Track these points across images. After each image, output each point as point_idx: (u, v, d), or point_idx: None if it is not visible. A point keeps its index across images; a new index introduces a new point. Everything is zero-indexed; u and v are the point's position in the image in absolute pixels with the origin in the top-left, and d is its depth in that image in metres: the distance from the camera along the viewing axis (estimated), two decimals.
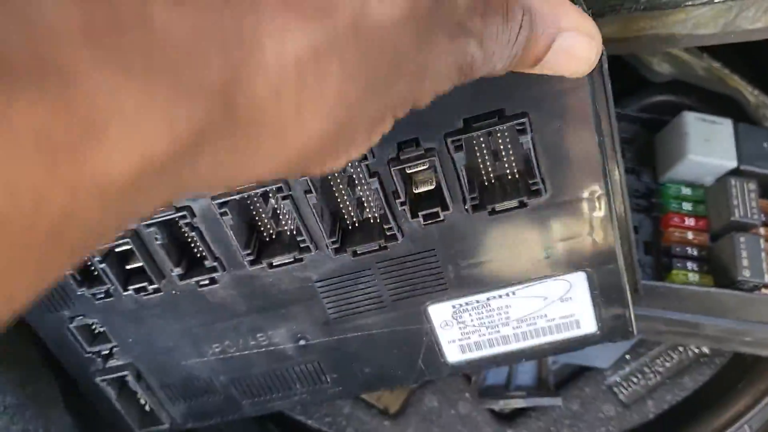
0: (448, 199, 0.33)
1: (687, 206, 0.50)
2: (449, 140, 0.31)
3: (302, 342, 0.40)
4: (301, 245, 0.35)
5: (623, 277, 0.37)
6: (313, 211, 0.33)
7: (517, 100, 0.31)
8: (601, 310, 0.38)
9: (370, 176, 0.32)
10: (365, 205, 0.35)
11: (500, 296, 0.37)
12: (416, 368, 0.41)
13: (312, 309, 0.38)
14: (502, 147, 0.33)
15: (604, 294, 0.37)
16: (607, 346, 0.51)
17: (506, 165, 0.34)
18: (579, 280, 0.37)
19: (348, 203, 0.35)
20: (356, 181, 0.34)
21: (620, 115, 0.53)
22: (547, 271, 0.36)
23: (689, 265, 0.48)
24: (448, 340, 0.39)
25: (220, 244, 0.35)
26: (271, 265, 0.36)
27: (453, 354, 0.40)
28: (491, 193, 0.34)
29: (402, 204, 0.33)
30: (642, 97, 0.57)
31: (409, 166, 0.32)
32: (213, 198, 0.33)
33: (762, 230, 0.50)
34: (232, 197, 0.33)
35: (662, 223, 0.50)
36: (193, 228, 0.34)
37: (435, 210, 0.33)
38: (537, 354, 0.40)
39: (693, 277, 0.48)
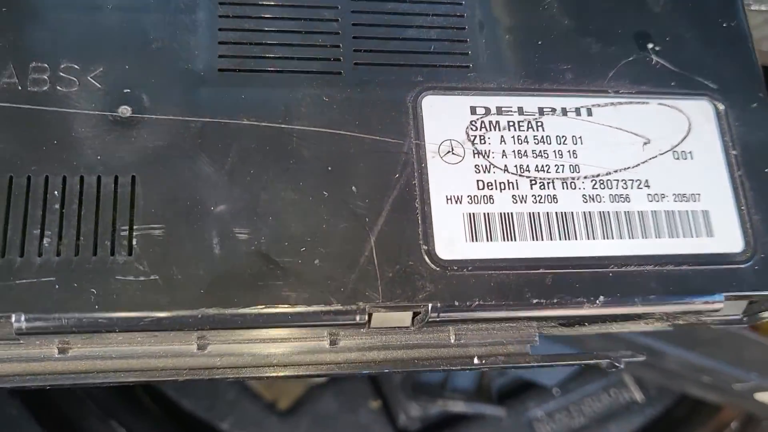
0: None
1: None
2: None
3: None
4: None
5: None
6: None
7: None
8: (746, 197, 0.22)
9: None
10: None
11: (567, 109, 0.23)
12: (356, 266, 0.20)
13: None
14: None
15: (749, 160, 0.23)
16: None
17: None
18: (702, 116, 0.23)
19: None
20: None
21: None
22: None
23: None
24: (449, 192, 0.22)
25: None
26: None
27: (451, 239, 0.21)
28: None
29: None
30: None
31: None
32: None
33: None
34: None
35: None
36: None
37: None
38: (622, 281, 0.21)
39: None
